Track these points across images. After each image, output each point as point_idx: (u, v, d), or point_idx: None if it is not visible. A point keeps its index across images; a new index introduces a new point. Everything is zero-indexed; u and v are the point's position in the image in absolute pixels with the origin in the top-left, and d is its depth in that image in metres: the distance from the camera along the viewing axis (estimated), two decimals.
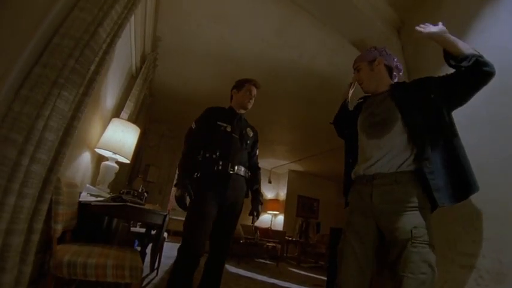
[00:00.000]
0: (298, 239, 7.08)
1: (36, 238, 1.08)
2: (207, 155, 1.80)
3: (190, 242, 1.64)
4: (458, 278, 1.36)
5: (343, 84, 1.72)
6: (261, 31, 2.89)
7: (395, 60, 1.48)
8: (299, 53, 3.15)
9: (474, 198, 1.39)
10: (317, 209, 8.44)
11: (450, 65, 1.22)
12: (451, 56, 1.20)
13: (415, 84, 1.37)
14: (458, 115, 1.50)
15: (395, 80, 1.50)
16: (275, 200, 8.25)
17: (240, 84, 2.01)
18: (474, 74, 1.13)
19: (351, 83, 1.67)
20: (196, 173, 1.78)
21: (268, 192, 8.44)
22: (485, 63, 1.13)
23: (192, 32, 3.03)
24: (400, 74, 1.51)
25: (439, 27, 1.23)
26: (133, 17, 2.39)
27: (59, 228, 1.28)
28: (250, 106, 2.00)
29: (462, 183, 1.17)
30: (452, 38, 1.20)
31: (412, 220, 1.12)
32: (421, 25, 1.28)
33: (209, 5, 2.64)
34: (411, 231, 1.09)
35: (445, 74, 1.26)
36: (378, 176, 1.24)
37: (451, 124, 1.24)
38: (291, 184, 8.21)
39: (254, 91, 2.00)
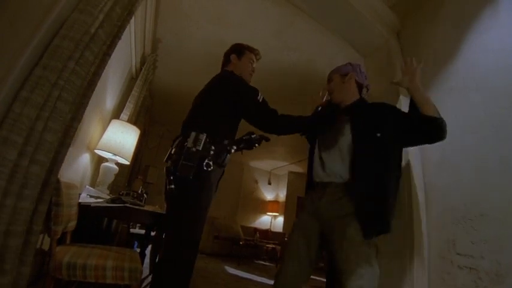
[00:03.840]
0: None
1: (35, 239, 1.08)
2: (235, 147, 1.46)
3: (195, 248, 1.34)
4: (457, 279, 1.36)
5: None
6: (260, 33, 2.90)
7: (366, 79, 1.59)
8: (298, 55, 3.16)
9: (473, 199, 1.40)
10: None
11: (412, 118, 1.37)
12: (416, 107, 1.36)
13: (376, 112, 1.46)
14: (458, 116, 1.51)
15: (363, 97, 1.59)
16: (275, 202, 8.25)
17: (240, 50, 1.68)
18: (430, 134, 1.33)
19: (320, 92, 1.73)
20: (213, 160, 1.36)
21: (268, 194, 8.44)
22: (442, 129, 1.30)
23: (192, 34, 3.04)
24: (367, 93, 1.63)
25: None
26: (133, 19, 2.39)
27: (58, 229, 1.28)
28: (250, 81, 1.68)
29: (380, 220, 1.27)
30: (425, 95, 1.37)
31: (347, 222, 1.24)
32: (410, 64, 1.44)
33: (209, 7, 2.65)
34: (345, 231, 1.23)
35: (406, 112, 1.42)
36: (330, 185, 1.37)
37: (395, 159, 1.38)
38: (290, 185, 8.19)
39: (255, 63, 1.70)
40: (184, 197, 1.35)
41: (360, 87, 1.55)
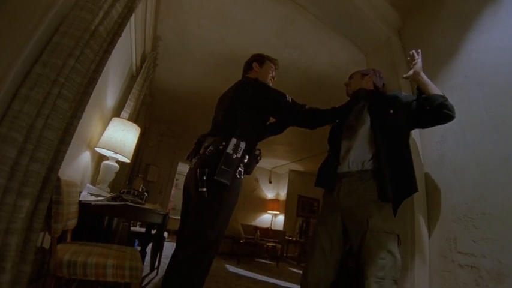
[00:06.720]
0: (298, 239, 7.08)
1: (36, 237, 1.08)
2: (257, 152, 1.53)
3: (216, 250, 1.39)
4: (458, 278, 1.35)
5: (343, 85, 1.79)
6: (261, 32, 2.89)
7: (383, 86, 1.71)
8: (299, 53, 3.14)
9: (474, 197, 1.39)
10: (317, 209, 8.42)
11: (419, 99, 1.42)
12: (422, 92, 1.43)
13: (389, 97, 1.56)
14: (459, 114, 1.51)
15: None
16: (275, 200, 8.24)
17: (261, 59, 1.76)
18: (436, 114, 1.34)
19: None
20: (242, 165, 1.41)
21: (269, 192, 8.44)
22: (447, 107, 1.31)
23: (192, 32, 3.03)
24: None
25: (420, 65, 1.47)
26: (133, 16, 2.38)
27: (58, 227, 1.28)
28: None
29: (405, 184, 1.32)
30: (427, 79, 1.43)
31: (368, 211, 1.27)
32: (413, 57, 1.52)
33: (209, 5, 2.64)
34: (367, 221, 1.24)
35: (413, 98, 1.45)
36: (346, 174, 1.41)
37: (406, 136, 1.44)
38: (291, 184, 8.19)
39: (274, 72, 1.79)
40: (216, 201, 1.35)
41: (376, 89, 1.66)
